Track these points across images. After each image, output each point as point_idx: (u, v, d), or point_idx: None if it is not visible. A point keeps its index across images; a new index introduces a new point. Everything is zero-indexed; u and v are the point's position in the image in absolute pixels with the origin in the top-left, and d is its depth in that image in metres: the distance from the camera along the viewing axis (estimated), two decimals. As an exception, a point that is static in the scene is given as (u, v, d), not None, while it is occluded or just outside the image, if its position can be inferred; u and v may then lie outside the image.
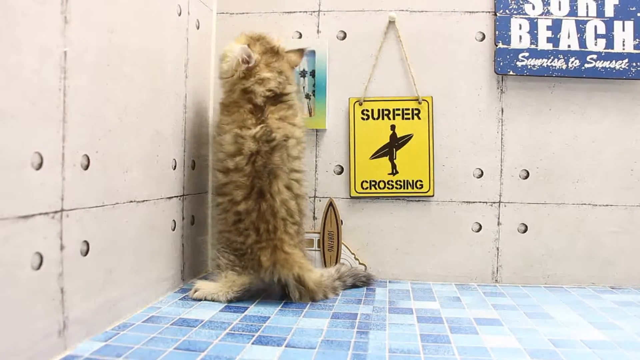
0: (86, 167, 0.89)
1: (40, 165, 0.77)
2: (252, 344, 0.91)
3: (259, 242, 1.15)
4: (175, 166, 1.23)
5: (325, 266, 1.39)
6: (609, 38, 1.35)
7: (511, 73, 1.36)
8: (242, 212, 1.16)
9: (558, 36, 1.36)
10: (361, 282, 1.33)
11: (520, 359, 0.86)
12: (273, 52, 1.25)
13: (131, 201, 1.04)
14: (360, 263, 1.41)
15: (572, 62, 1.35)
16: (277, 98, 1.22)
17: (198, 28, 1.36)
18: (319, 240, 1.42)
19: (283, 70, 1.24)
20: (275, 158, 1.17)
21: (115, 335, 0.93)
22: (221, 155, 1.19)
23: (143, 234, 1.09)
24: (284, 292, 1.18)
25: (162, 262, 1.18)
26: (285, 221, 1.17)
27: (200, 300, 1.16)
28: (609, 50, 1.35)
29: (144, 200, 1.09)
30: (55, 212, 0.81)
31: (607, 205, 1.37)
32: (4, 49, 0.70)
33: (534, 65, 1.36)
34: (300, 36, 1.45)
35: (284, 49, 1.28)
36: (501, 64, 1.36)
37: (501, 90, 1.39)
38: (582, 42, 1.36)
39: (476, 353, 0.89)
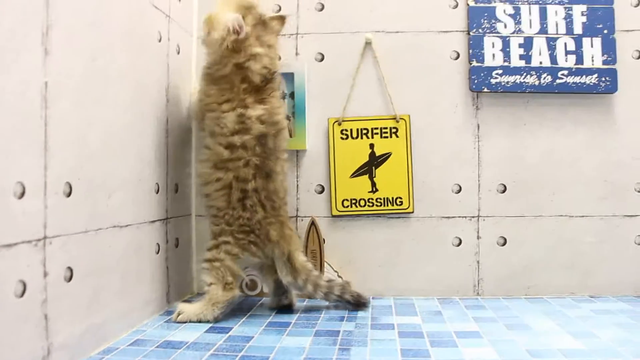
0: (69, 194, 0.90)
1: (22, 194, 0.79)
2: (236, 364, 0.93)
3: (266, 218, 1.20)
4: (158, 190, 1.25)
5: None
6: (579, 54, 1.40)
7: (485, 90, 1.40)
8: (250, 190, 1.19)
9: (530, 53, 1.40)
10: (351, 296, 1.27)
11: (497, 370, 0.89)
12: (263, 24, 1.23)
13: (114, 226, 1.05)
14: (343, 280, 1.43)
15: (544, 77, 1.39)
16: (271, 76, 1.23)
17: (178, 53, 1.39)
18: (302, 258, 1.44)
19: (272, 44, 1.23)
20: (281, 140, 1.23)
21: (101, 360, 0.94)
22: (225, 130, 1.18)
23: (127, 258, 1.10)
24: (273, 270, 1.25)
25: (147, 285, 1.20)
26: (284, 199, 1.24)
27: (184, 322, 1.17)
28: (579, 66, 1.39)
29: (127, 225, 1.10)
30: (38, 239, 0.83)
31: (584, 215, 1.41)
32: (-16, 83, 0.72)
33: (507, 82, 1.39)
34: (280, 59, 1.47)
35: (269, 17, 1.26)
36: (476, 81, 1.40)
37: (477, 106, 1.42)
38: (553, 58, 1.40)
39: (455, 366, 0.91)
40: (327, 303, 1.31)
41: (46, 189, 0.85)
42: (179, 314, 1.18)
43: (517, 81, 1.39)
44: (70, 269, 0.91)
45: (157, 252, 1.24)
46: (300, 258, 1.24)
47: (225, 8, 1.19)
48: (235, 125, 1.18)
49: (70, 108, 0.91)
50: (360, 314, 1.26)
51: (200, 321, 1.17)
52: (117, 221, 1.06)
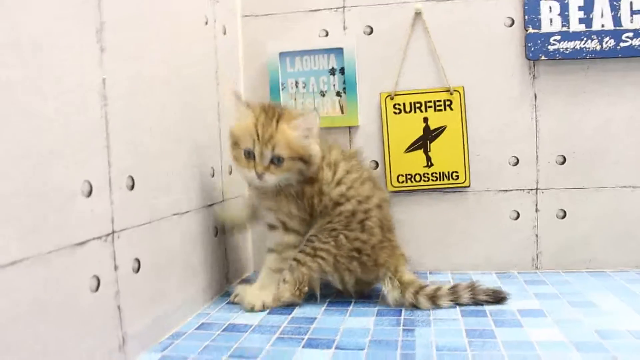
0: (132, 188, 0.92)
1: (90, 193, 0.80)
2: (303, 347, 0.94)
3: (381, 242, 1.19)
4: (213, 174, 1.26)
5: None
6: (645, 14, 1.32)
7: (543, 58, 1.35)
8: (372, 209, 1.19)
9: (591, 16, 1.34)
10: (486, 295, 1.14)
11: (566, 352, 0.87)
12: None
13: (175, 214, 1.07)
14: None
15: (607, 42, 1.33)
16: None
17: (225, 34, 1.38)
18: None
19: None
20: None
21: (171, 345, 0.97)
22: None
23: (188, 244, 1.12)
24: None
25: (208, 268, 1.22)
26: (392, 223, 1.25)
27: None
28: (646, 27, 1.32)
29: (187, 211, 1.12)
30: (107, 234, 0.84)
31: (647, 185, 1.36)
32: (49, 87, 0.73)
33: (566, 49, 1.34)
34: (327, 34, 1.45)
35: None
36: (532, 49, 1.35)
37: (533, 75, 1.38)
38: (616, 20, 1.33)
39: (522, 348, 0.90)
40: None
41: (111, 185, 0.86)
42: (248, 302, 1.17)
43: (577, 47, 1.34)
44: (138, 260, 0.93)
45: (216, 235, 1.26)
46: (407, 273, 1.18)
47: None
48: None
49: (125, 103, 0.91)
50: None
51: (292, 305, 1.17)
52: (177, 209, 1.08)
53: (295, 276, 1.16)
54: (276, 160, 1.11)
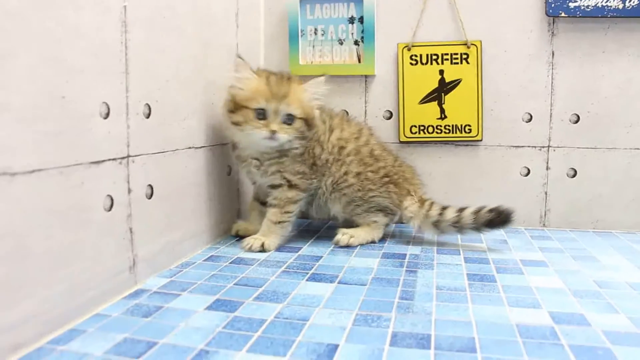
0: (148, 116, 0.94)
1: (107, 115, 0.83)
2: (307, 280, 0.97)
3: (396, 160, 1.32)
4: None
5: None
6: (670, -25, 1.30)
7: (563, 15, 1.33)
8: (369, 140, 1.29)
9: (614, -25, 1.32)
10: (489, 212, 1.19)
11: (563, 298, 0.89)
12: None
13: (190, 147, 1.09)
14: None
15: (630, 1, 1.32)
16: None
17: (247, -23, 1.38)
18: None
19: None
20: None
21: (179, 272, 1.00)
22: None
23: (201, 178, 1.15)
24: None
25: (220, 204, 1.25)
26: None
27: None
28: (669, -12, 1.30)
29: (201, 146, 1.14)
30: (123, 157, 0.87)
31: (660, 149, 1.36)
32: (68, 8, 0.75)
33: (587, 6, 1.32)
34: None
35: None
36: (552, 5, 1.33)
37: (552, 33, 1.37)
38: (640, -20, 1.31)
39: (520, 291, 0.92)
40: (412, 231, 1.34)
41: (128, 110, 0.88)
42: (351, 236, 1.23)
43: (599, 5, 1.32)
44: (151, 187, 0.95)
45: (229, 174, 1.28)
46: (406, 204, 1.27)
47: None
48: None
49: (145, 34, 0.93)
50: (426, 238, 1.28)
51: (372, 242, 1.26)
52: (192, 142, 1.10)
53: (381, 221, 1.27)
54: (288, 119, 1.12)
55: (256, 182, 1.24)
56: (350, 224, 1.28)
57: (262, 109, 1.11)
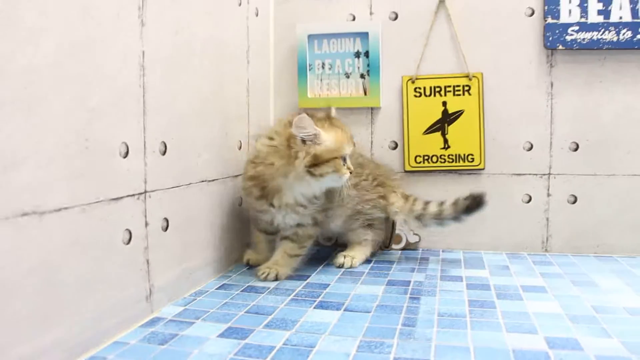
0: (164, 153, 1.00)
1: (126, 154, 0.89)
2: (314, 308, 1.01)
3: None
4: (240, 146, 1.34)
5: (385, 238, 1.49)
6: (663, 8, 1.35)
7: (560, 47, 1.39)
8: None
9: (609, 8, 1.37)
10: (465, 200, 1.32)
11: (560, 322, 0.93)
12: None
13: (203, 181, 1.15)
14: (414, 233, 1.49)
15: (624, 33, 1.37)
16: None
17: (257, 15, 1.45)
18: (375, 212, 1.51)
19: None
20: None
21: (193, 301, 1.06)
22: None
23: (214, 210, 1.21)
24: None
25: (232, 234, 1.30)
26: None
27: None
28: (663, 20, 1.35)
29: (214, 179, 1.20)
30: (140, 193, 0.93)
31: (659, 175, 1.40)
32: (92, 56, 0.81)
33: (583, 39, 1.38)
34: (354, 18, 1.51)
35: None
36: (550, 38, 1.39)
37: (551, 64, 1.42)
38: (634, 12, 1.37)
39: (519, 317, 0.96)
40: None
41: (145, 148, 0.94)
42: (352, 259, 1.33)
43: (594, 37, 1.37)
44: (167, 220, 1.01)
45: (240, 205, 1.34)
46: (392, 200, 1.39)
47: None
48: None
49: (162, 75, 0.99)
50: (430, 265, 1.33)
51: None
52: (205, 176, 1.16)
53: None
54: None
55: (281, 223, 1.24)
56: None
57: (345, 156, 1.18)
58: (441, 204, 1.34)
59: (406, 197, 1.39)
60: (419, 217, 1.35)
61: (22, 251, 0.69)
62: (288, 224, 1.23)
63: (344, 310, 1.00)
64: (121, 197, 0.88)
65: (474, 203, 1.31)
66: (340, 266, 1.31)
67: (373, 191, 1.35)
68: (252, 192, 1.21)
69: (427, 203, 1.36)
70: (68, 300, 0.76)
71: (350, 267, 1.31)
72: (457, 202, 1.32)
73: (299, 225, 1.23)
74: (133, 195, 0.91)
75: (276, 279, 1.20)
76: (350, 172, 1.18)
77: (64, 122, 0.75)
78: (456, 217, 1.32)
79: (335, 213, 1.30)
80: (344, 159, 1.17)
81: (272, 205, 1.20)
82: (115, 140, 0.86)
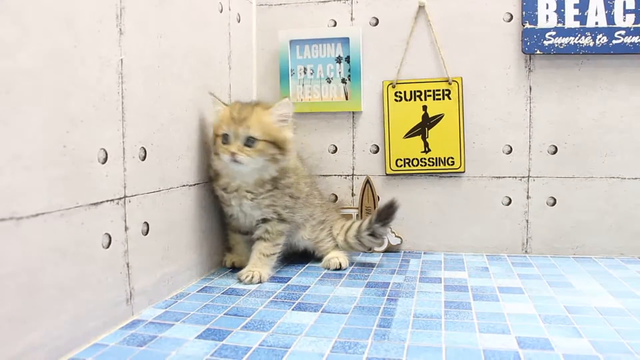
0: (144, 158, 1.02)
1: (105, 160, 0.90)
2: (292, 310, 1.03)
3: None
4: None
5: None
6: (639, 13, 1.38)
7: (538, 52, 1.41)
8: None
9: (585, 14, 1.40)
10: (378, 214, 1.35)
11: (532, 323, 0.95)
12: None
13: (184, 185, 1.17)
14: (396, 236, 1.51)
15: (600, 38, 1.39)
16: None
17: (239, 22, 1.47)
18: (357, 215, 1.53)
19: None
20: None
21: (174, 303, 1.07)
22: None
23: (195, 214, 1.22)
24: None
25: (213, 238, 1.32)
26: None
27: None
28: (638, 25, 1.38)
29: (195, 184, 1.22)
30: (119, 198, 0.94)
31: (636, 178, 1.42)
32: (71, 64, 0.83)
33: (561, 44, 1.40)
34: (335, 24, 1.53)
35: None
36: (528, 43, 1.41)
37: (529, 69, 1.44)
38: (610, 18, 1.39)
39: (493, 318, 0.98)
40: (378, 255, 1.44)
41: (124, 154, 0.96)
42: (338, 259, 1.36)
43: (571, 43, 1.40)
44: (147, 224, 1.03)
45: (221, 209, 1.35)
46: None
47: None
48: None
49: (142, 82, 1.01)
50: (411, 267, 1.34)
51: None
52: (186, 181, 1.18)
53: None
54: (250, 142, 1.18)
55: (243, 216, 1.28)
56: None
57: (226, 134, 1.19)
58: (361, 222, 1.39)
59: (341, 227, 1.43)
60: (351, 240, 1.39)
61: (0, 256, 0.70)
62: (250, 215, 1.27)
63: (322, 311, 1.02)
64: (100, 202, 0.89)
65: (385, 211, 1.34)
66: (335, 267, 1.34)
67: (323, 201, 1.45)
68: (213, 179, 1.28)
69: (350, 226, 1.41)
70: (48, 303, 0.78)
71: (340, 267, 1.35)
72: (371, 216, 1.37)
73: (265, 221, 1.26)
74: (112, 200, 0.92)
75: (260, 281, 1.22)
76: (232, 154, 1.16)
77: (42, 129, 0.77)
78: (370, 229, 1.36)
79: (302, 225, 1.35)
80: (225, 138, 1.19)
81: (225, 190, 1.25)
82: (93, 146, 0.88)
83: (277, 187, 1.25)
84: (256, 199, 1.24)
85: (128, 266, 0.97)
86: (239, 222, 1.31)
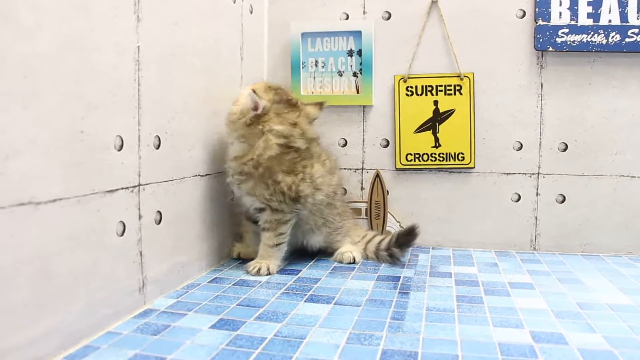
0: (158, 147, 1.01)
1: (121, 147, 0.90)
2: (305, 301, 1.03)
3: None
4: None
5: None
6: (651, 12, 1.38)
7: (551, 49, 1.41)
8: None
9: (599, 11, 1.40)
10: (397, 236, 1.35)
11: (545, 318, 0.95)
12: (289, 103, 1.25)
13: (196, 175, 1.16)
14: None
15: (613, 36, 1.39)
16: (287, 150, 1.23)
17: (251, 13, 1.46)
18: (366, 209, 1.53)
19: (298, 123, 1.23)
20: None
21: (185, 294, 1.07)
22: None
23: (207, 204, 1.22)
24: None
25: (224, 229, 1.32)
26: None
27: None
28: (651, 24, 1.38)
29: (207, 174, 1.21)
30: (134, 186, 0.94)
31: (646, 176, 1.42)
32: (88, 50, 0.82)
33: (573, 41, 1.40)
34: (347, 17, 1.53)
35: (303, 103, 1.28)
36: (541, 40, 1.41)
37: (541, 66, 1.44)
38: (623, 16, 1.39)
39: (505, 312, 0.98)
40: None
41: (140, 142, 0.96)
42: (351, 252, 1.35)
43: (584, 40, 1.40)
44: (160, 213, 1.02)
45: (232, 200, 1.35)
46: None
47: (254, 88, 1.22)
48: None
49: (157, 71, 1.01)
50: (420, 262, 1.34)
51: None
52: (198, 171, 1.17)
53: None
54: None
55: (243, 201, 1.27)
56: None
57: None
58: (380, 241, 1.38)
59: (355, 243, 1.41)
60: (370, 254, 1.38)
61: (18, 240, 0.70)
62: (245, 202, 1.26)
63: (334, 304, 1.02)
64: (115, 190, 0.89)
65: (404, 238, 1.34)
66: (347, 261, 1.34)
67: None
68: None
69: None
70: (62, 290, 0.78)
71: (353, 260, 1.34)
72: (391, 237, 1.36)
73: (259, 210, 1.25)
74: (127, 188, 0.92)
75: (268, 273, 1.22)
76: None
77: (59, 115, 0.76)
78: (389, 250, 1.34)
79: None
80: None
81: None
82: (110, 133, 0.88)
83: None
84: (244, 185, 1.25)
85: (141, 255, 0.97)
86: (244, 207, 1.30)
